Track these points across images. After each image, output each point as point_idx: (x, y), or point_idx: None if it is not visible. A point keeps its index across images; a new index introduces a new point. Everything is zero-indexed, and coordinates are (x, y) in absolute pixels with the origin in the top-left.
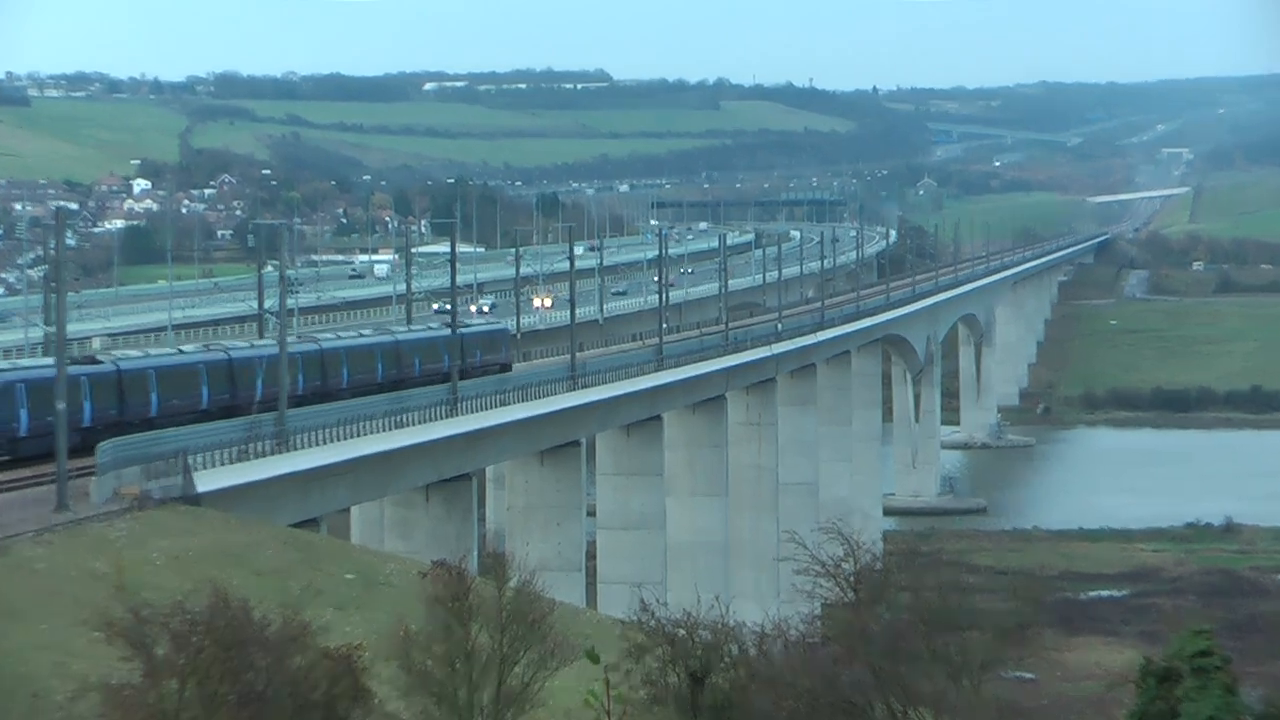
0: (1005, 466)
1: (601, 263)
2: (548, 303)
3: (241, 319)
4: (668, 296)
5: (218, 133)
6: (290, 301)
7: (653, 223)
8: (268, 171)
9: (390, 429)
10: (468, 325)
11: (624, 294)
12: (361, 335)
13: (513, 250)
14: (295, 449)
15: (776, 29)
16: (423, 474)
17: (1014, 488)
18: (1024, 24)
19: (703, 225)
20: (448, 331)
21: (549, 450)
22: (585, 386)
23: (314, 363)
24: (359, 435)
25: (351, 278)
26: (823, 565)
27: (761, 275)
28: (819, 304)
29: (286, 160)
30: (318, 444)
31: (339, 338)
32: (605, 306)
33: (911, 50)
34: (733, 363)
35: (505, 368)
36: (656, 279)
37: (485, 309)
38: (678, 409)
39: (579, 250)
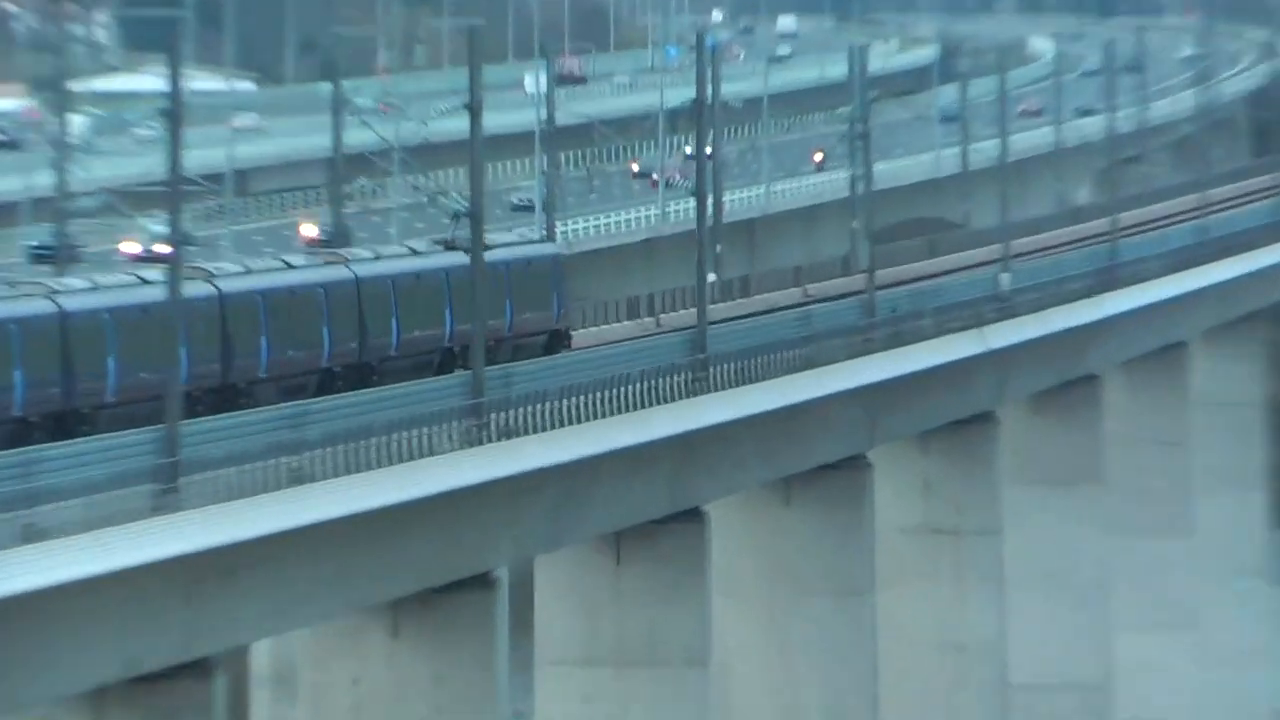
0: None
1: (551, 119)
2: (314, 231)
3: None
4: (720, 205)
5: None
6: None
7: (716, 17)
8: None
9: (20, 542)
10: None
11: (529, 206)
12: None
13: (328, 88)
14: None
15: None
16: (96, 659)
17: None
18: None
19: (789, 25)
20: (455, 259)
21: (415, 600)
22: (507, 437)
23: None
24: None
25: None
26: None
27: (959, 150)
28: (1106, 226)
29: None
30: None
31: (248, 271)
32: (564, 228)
33: None
34: (885, 375)
35: (560, 339)
36: (653, 174)
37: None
38: (744, 491)
39: (523, 90)
